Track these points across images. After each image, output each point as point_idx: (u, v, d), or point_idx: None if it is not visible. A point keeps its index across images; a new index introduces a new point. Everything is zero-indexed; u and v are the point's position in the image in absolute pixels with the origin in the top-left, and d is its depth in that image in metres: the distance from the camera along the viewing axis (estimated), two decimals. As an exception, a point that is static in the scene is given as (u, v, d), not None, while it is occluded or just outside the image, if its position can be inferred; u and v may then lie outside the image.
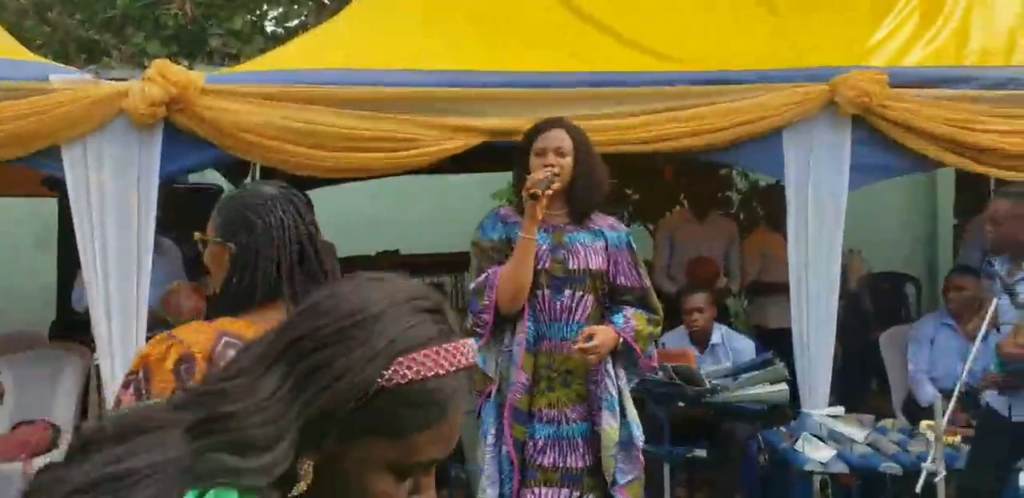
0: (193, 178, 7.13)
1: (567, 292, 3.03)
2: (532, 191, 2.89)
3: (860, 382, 6.13)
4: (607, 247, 3.10)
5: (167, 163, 3.99)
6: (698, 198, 6.07)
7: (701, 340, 4.91)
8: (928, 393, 4.82)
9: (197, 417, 0.92)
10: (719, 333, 4.94)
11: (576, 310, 3.04)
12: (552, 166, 2.98)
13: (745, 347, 4.88)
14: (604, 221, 3.17)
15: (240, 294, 1.76)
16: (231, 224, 1.79)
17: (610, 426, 3.01)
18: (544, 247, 3.03)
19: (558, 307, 3.02)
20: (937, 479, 3.26)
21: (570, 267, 3.05)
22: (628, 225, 7.17)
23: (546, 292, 3.01)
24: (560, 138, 3.03)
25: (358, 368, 0.91)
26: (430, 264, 6.46)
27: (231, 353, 1.60)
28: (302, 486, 0.92)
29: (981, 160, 4.37)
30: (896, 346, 5.20)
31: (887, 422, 4.44)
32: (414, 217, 7.45)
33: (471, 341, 0.99)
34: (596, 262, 3.07)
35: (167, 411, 0.95)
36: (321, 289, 1.00)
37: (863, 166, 4.29)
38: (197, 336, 1.67)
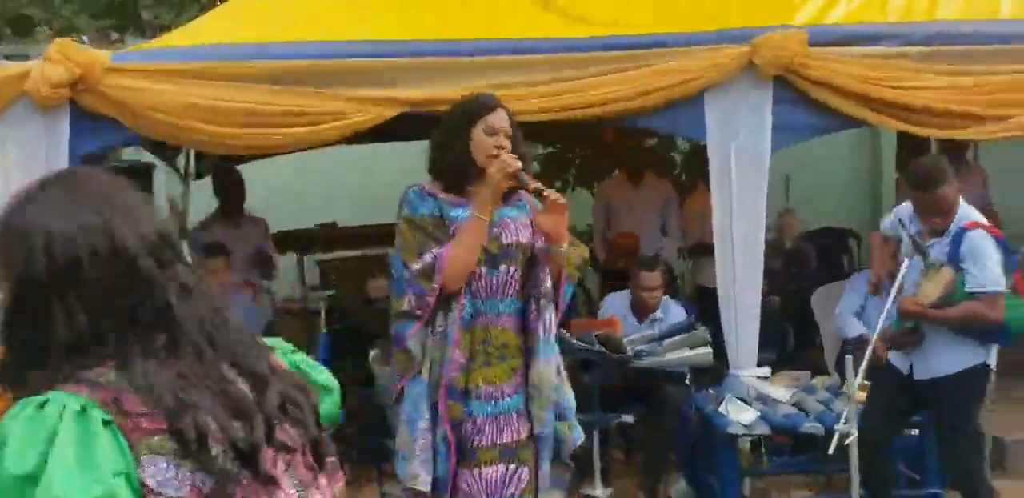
0: (129, 156, 7.04)
1: (502, 267, 3.02)
2: (518, 174, 2.90)
3: (800, 338, 6.18)
4: (531, 219, 3.09)
5: (77, 145, 3.91)
6: (632, 162, 6.05)
7: (644, 312, 4.85)
8: (853, 326, 4.80)
9: None
10: (662, 306, 4.85)
11: (510, 284, 3.04)
12: (502, 148, 2.95)
13: (677, 315, 4.84)
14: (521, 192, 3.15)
15: None
16: None
17: (544, 368, 2.99)
18: None
19: (494, 283, 3.01)
20: (848, 440, 3.29)
21: (504, 242, 3.03)
22: (572, 189, 7.17)
23: (483, 269, 3.00)
24: (506, 120, 3.02)
25: None
26: (373, 235, 6.41)
27: None
28: None
29: (910, 119, 4.33)
30: (829, 303, 5.20)
31: (818, 380, 4.47)
32: (340, 190, 7.42)
33: None
34: (525, 235, 3.07)
35: None
36: None
37: (786, 126, 4.26)
38: None
